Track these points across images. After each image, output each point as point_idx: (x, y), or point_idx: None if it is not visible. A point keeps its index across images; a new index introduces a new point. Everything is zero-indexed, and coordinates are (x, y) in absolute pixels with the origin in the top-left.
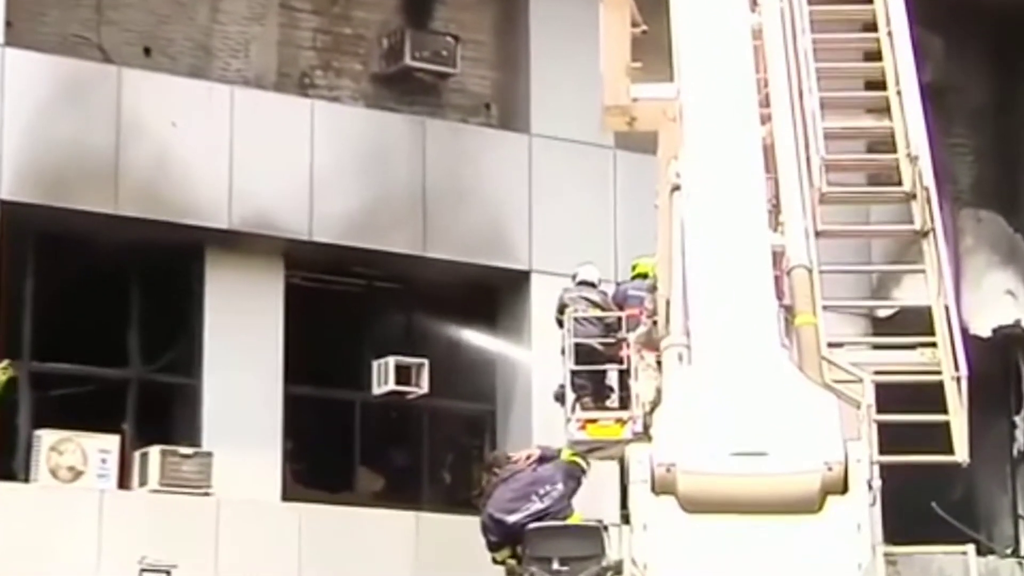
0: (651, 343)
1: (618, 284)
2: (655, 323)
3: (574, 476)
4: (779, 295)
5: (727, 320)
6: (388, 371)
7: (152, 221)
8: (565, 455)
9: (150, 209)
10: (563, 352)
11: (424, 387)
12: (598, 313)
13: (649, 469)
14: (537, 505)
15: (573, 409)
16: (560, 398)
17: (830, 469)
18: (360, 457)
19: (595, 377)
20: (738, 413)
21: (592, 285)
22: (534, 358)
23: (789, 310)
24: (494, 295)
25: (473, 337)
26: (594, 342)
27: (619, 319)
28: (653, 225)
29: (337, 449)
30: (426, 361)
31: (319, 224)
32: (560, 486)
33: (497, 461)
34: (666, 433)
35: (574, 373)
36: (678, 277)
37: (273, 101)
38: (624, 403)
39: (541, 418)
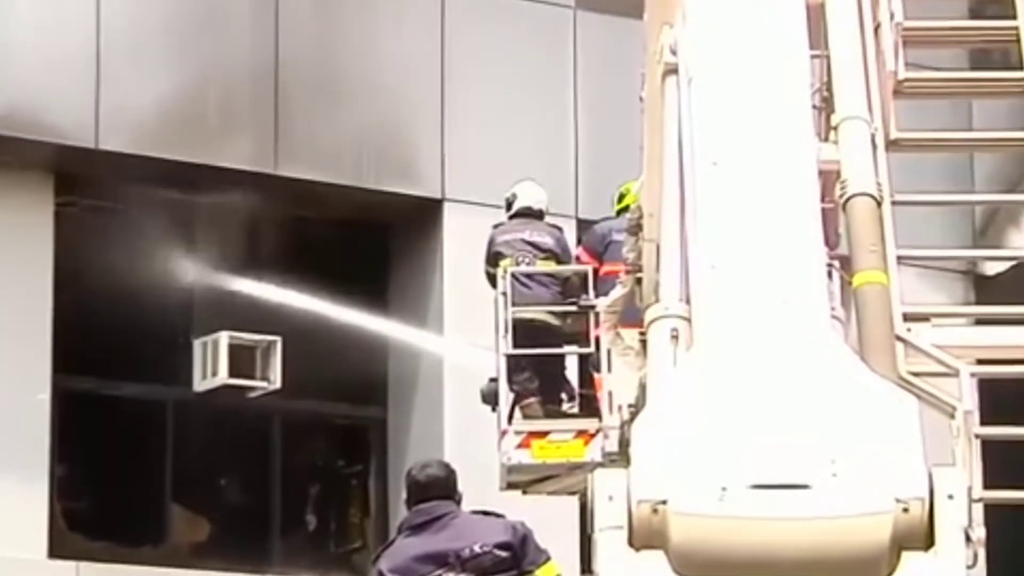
0: (632, 315)
1: (595, 224)
2: (639, 282)
3: (535, 546)
4: (829, 240)
5: (748, 279)
6: (219, 354)
7: None
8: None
9: None
10: (496, 327)
11: (275, 380)
12: (551, 268)
13: (626, 509)
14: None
15: (511, 416)
16: (490, 398)
17: (906, 511)
18: (173, 490)
19: (546, 367)
20: (763, 424)
21: (538, 216)
22: (447, 336)
23: (844, 263)
24: (386, 238)
25: (352, 303)
26: (545, 312)
27: (584, 276)
28: (635, 129)
29: (138, 477)
30: (278, 340)
31: (110, 124)
32: (501, 552)
33: (419, 487)
34: (652, 454)
35: (513, 360)
36: (673, 211)
37: None
38: (589, 407)
39: (457, 429)
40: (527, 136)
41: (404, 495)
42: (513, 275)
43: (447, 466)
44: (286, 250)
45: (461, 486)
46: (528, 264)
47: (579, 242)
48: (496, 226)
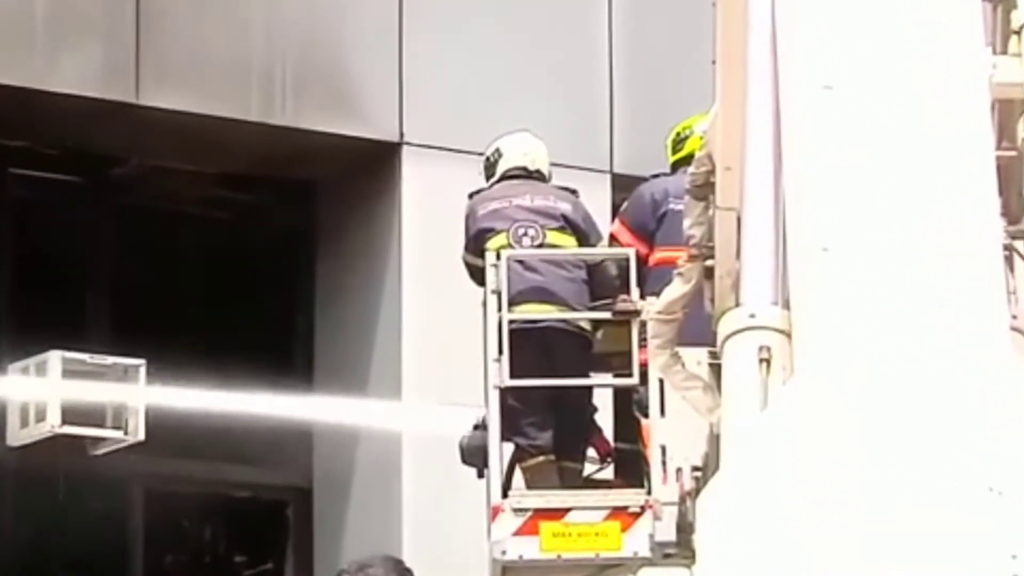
0: (698, 325)
1: (642, 183)
2: (709, 274)
3: None
4: (1009, 208)
5: (880, 270)
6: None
7: None
8: None
9: None
10: (485, 344)
11: (137, 430)
12: (573, 251)
13: None
14: None
15: (507, 483)
16: (475, 455)
17: None
18: None
19: (564, 406)
20: (905, 497)
21: (539, 179)
22: (407, 357)
23: None
24: (311, 201)
25: (258, 307)
26: (562, 310)
27: (624, 266)
28: (698, 42)
29: None
30: (142, 364)
31: None
32: None
33: None
34: (730, 544)
35: (512, 395)
36: (763, 161)
37: None
38: (631, 470)
39: (420, 504)
40: (535, 57)
41: None
42: (513, 263)
43: (399, 565)
44: (155, 223)
45: None
46: (534, 240)
47: (616, 213)
48: (474, 194)
